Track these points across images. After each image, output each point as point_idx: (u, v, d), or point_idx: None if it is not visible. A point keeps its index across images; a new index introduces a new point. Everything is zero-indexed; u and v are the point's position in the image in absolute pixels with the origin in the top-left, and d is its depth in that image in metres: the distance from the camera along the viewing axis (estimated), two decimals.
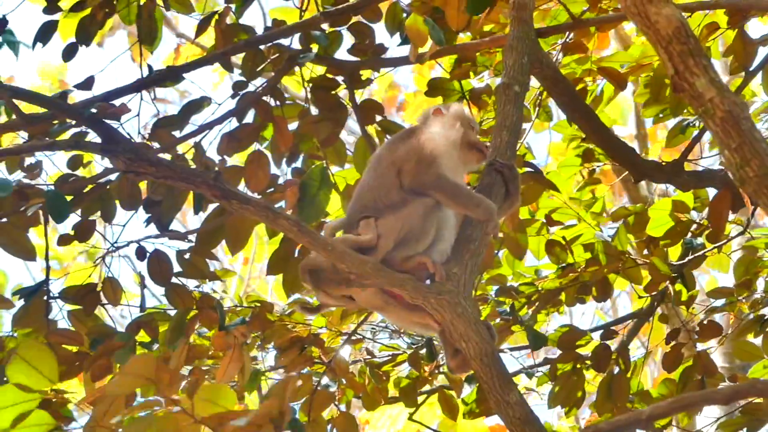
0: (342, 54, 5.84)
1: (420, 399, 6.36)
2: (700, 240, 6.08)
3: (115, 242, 5.49)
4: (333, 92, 5.78)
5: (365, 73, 5.93)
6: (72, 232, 5.49)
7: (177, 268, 5.51)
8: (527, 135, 6.20)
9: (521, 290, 6.18)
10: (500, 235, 5.74)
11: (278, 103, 5.63)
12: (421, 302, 4.04)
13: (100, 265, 5.51)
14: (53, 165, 5.41)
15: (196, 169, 4.83)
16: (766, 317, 6.00)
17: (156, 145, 5.51)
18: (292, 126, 5.67)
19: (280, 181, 5.60)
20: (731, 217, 5.85)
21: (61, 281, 5.62)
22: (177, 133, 5.56)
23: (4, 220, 5.32)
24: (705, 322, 6.09)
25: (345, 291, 4.14)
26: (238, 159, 5.92)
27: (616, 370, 6.05)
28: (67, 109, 5.01)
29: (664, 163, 5.86)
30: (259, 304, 5.78)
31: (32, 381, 3.58)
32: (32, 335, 5.27)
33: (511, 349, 6.57)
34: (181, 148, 5.60)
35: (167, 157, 5.42)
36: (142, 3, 5.76)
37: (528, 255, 6.13)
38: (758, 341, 6.06)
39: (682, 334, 6.09)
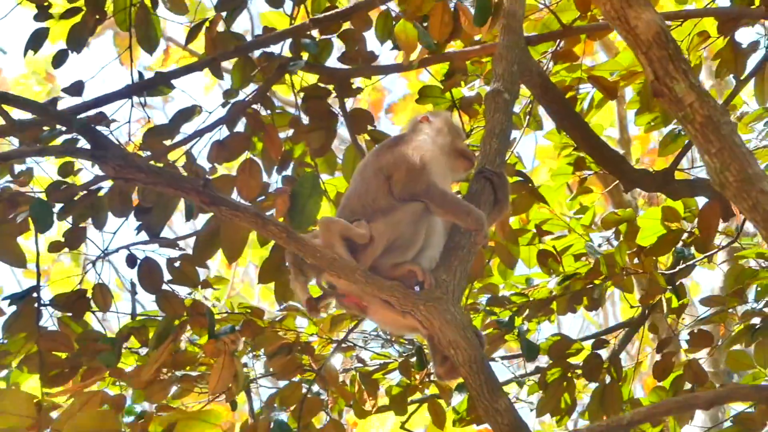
0: (332, 62, 5.86)
1: (411, 408, 6.35)
2: (692, 249, 6.08)
3: (106, 249, 5.48)
4: (324, 101, 5.78)
5: (361, 81, 5.93)
6: (62, 239, 5.49)
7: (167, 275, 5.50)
8: (517, 144, 6.20)
9: (513, 300, 6.17)
10: (491, 244, 5.74)
11: (269, 111, 5.64)
12: (410, 309, 4.04)
13: (87, 271, 5.50)
14: (43, 172, 5.39)
15: (186, 176, 4.82)
16: (757, 326, 6.00)
17: (147, 153, 5.50)
18: (283, 134, 5.67)
19: (271, 189, 5.60)
20: (721, 226, 5.84)
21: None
22: (167, 142, 5.56)
23: None
24: (696, 331, 6.08)
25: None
26: (230, 168, 5.91)
27: (608, 379, 6.05)
28: (57, 115, 5.01)
29: (653, 172, 5.86)
30: (249, 311, 5.77)
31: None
32: (22, 341, 5.26)
33: (502, 358, 6.56)
34: (172, 156, 5.60)
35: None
36: (135, 3, 5.76)
37: (519, 264, 6.13)
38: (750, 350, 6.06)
39: (673, 343, 6.08)
